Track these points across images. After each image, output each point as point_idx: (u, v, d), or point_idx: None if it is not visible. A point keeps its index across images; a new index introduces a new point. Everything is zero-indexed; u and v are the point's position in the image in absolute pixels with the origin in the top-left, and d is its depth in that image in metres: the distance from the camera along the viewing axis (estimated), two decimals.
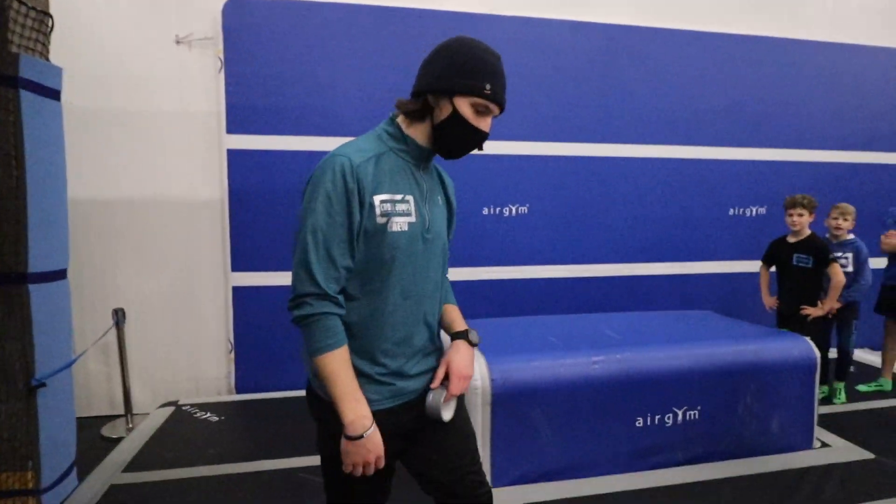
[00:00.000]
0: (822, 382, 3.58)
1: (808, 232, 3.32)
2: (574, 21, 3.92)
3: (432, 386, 1.24)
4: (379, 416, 1.13)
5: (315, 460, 2.58)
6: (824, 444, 2.85)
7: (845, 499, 2.33)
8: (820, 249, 3.23)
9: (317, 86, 3.58)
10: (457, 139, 1.18)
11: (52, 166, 2.22)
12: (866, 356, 4.27)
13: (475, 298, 3.80)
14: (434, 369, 1.28)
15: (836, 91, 4.47)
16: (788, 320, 3.32)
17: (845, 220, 3.46)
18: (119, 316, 3.20)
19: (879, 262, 3.73)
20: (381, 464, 1.13)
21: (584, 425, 2.50)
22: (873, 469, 2.59)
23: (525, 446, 2.42)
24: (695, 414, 2.62)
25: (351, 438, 1.08)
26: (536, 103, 3.83)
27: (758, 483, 2.48)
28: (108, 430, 3.15)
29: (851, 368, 3.67)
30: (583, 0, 3.97)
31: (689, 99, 4.20)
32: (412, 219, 1.16)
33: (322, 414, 1.19)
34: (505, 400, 2.34)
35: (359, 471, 1.11)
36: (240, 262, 3.55)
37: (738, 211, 4.42)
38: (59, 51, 2.35)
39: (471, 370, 1.28)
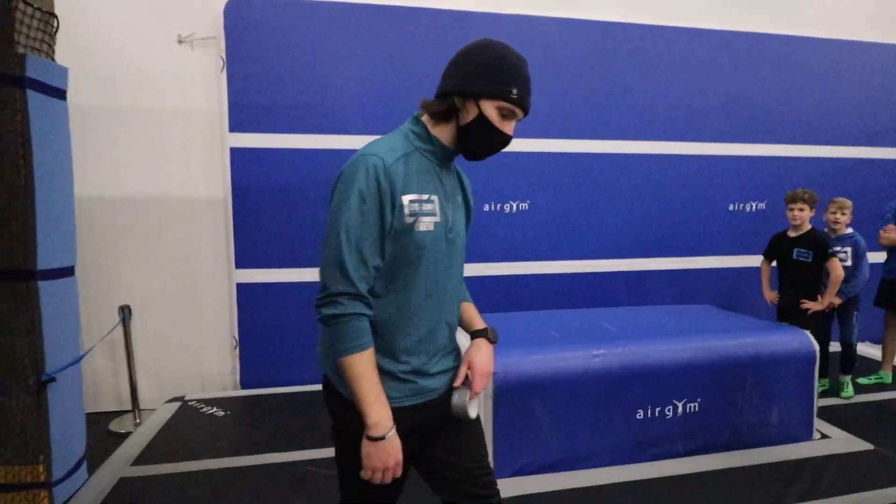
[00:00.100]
0: (823, 376, 3.62)
1: (808, 227, 3.34)
2: (572, 19, 3.94)
3: (455, 385, 1.26)
4: (399, 414, 1.14)
5: (319, 453, 2.65)
6: (824, 436, 2.88)
7: (844, 488, 2.36)
8: (820, 244, 3.25)
9: (318, 84, 3.61)
10: (481, 142, 1.20)
11: (59, 165, 2.26)
12: (867, 349, 4.29)
13: (476, 294, 3.76)
14: (453, 369, 1.29)
15: (834, 87, 4.48)
16: (788, 314, 3.34)
17: (843, 214, 3.47)
18: (125, 313, 3.24)
19: (878, 257, 3.75)
20: (399, 472, 1.13)
21: (585, 418, 2.53)
22: (872, 459, 2.62)
23: (526, 438, 2.46)
24: (695, 406, 2.65)
25: (373, 439, 1.09)
26: (535, 101, 3.75)
27: (757, 473, 2.51)
28: (115, 426, 3.19)
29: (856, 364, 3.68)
30: None
31: (688, 95, 4.22)
32: (437, 219, 1.17)
33: (342, 412, 1.20)
34: (506, 393, 2.37)
35: (378, 477, 1.11)
36: (243, 258, 3.59)
37: (738, 206, 4.44)
38: (64, 51, 2.38)
39: (492, 367, 1.30)
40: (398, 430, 1.12)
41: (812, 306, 3.25)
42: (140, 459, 2.65)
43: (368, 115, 3.69)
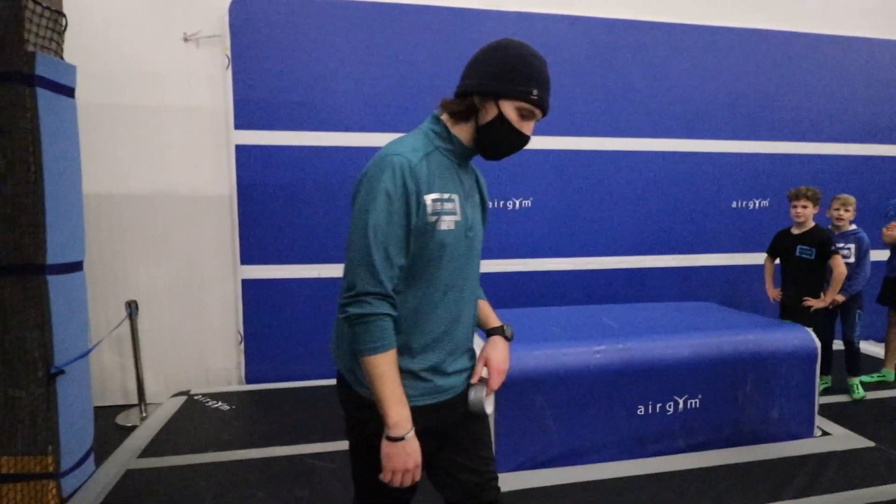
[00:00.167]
0: (826, 373, 3.63)
1: (811, 224, 3.34)
2: (574, 16, 3.95)
3: (472, 381, 1.28)
4: (415, 414, 1.13)
5: (323, 447, 2.69)
6: (825, 433, 2.89)
7: (844, 485, 2.37)
8: (823, 241, 3.24)
9: (323, 82, 3.63)
10: (500, 142, 1.20)
11: (68, 161, 2.30)
12: (870, 347, 4.28)
13: None
14: (469, 369, 1.30)
15: (837, 84, 4.47)
16: (791, 311, 3.34)
17: (846, 210, 3.46)
18: (132, 308, 3.28)
19: (882, 254, 3.74)
20: (419, 476, 1.13)
21: (587, 413, 2.55)
22: (873, 456, 2.63)
23: (528, 433, 2.48)
24: (695, 402, 2.66)
25: (392, 440, 1.09)
26: None
27: (757, 469, 2.52)
28: (122, 419, 3.24)
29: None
30: None
31: (691, 93, 4.22)
32: (458, 217, 1.18)
33: (356, 410, 1.21)
34: (509, 388, 2.38)
35: (398, 480, 1.10)
36: (248, 255, 3.62)
37: (741, 204, 4.44)
38: (71, 49, 2.41)
39: (508, 365, 1.31)
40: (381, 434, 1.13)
41: (815, 303, 3.25)
42: (146, 452, 2.69)
43: (373, 112, 3.72)
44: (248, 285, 3.65)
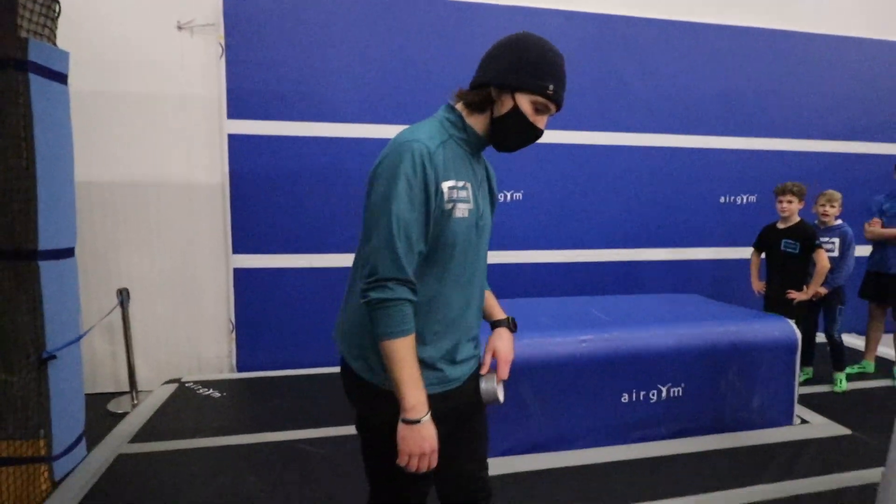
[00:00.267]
0: (808, 364, 3.71)
1: (797, 219, 3.40)
2: (568, 10, 3.98)
3: (482, 372, 1.31)
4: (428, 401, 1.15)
5: (313, 433, 2.73)
6: (804, 421, 2.96)
7: (819, 470, 2.44)
8: (807, 236, 3.31)
9: (317, 72, 3.65)
10: (513, 134, 1.21)
11: (60, 148, 2.31)
12: (851, 340, 4.37)
13: None
14: (474, 357, 1.32)
15: (826, 82, 4.54)
16: (775, 304, 3.41)
17: (832, 206, 3.52)
18: (124, 296, 3.29)
19: (865, 250, 3.82)
20: (435, 461, 1.14)
21: (572, 400, 2.60)
22: (848, 443, 2.71)
23: (515, 420, 2.53)
24: (678, 391, 2.73)
25: (409, 422, 1.10)
26: None
27: (737, 455, 2.59)
28: (114, 406, 3.26)
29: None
30: None
31: (683, 89, 4.27)
32: (471, 206, 1.19)
33: (368, 401, 1.22)
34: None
35: (413, 464, 1.12)
36: (240, 244, 3.64)
37: (729, 199, 4.50)
38: (64, 36, 2.41)
39: (513, 355, 1.34)
40: (396, 420, 1.14)
41: (797, 296, 3.33)
42: (138, 437, 2.72)
43: (366, 103, 3.74)
44: (240, 274, 3.68)
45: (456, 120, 1.22)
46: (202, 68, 3.55)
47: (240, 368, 3.73)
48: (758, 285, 3.65)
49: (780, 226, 3.46)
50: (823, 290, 3.39)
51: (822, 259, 3.28)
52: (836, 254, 3.46)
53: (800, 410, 3.04)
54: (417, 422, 1.10)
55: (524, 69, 1.15)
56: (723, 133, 4.41)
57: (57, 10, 2.27)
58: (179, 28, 3.49)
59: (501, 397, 1.30)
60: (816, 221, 3.59)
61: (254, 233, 3.66)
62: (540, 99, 1.17)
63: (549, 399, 2.57)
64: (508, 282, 4.06)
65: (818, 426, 2.91)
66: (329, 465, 2.45)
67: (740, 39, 4.33)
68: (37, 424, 2.21)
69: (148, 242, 3.57)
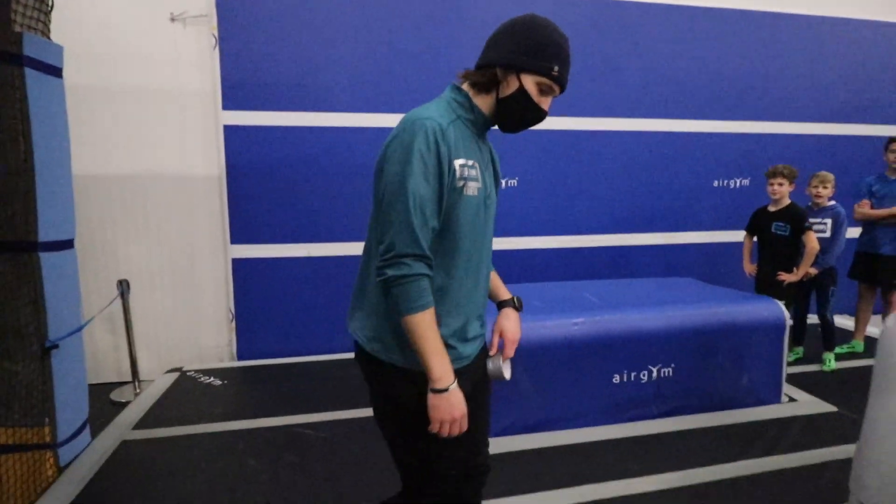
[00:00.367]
0: (799, 344, 3.78)
1: (787, 201, 3.44)
2: None
3: (491, 353, 1.35)
4: (418, 379, 1.17)
5: (313, 417, 2.79)
6: (792, 399, 3.03)
7: (804, 445, 2.51)
8: (797, 218, 3.35)
9: (310, 62, 3.66)
10: (518, 114, 1.23)
11: (57, 141, 2.34)
12: (843, 321, 4.44)
13: None
14: (481, 335, 1.34)
15: (818, 64, 4.55)
16: (765, 285, 3.46)
17: (825, 188, 3.55)
18: (124, 287, 3.34)
19: (859, 231, 3.85)
20: (465, 426, 1.17)
21: (564, 382, 2.66)
22: (834, 420, 2.77)
23: (509, 400, 2.59)
24: (668, 371, 2.79)
25: (437, 392, 1.12)
26: None
27: (725, 432, 2.66)
28: (116, 395, 3.32)
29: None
30: None
31: (675, 73, 4.29)
32: (479, 185, 1.21)
33: (390, 379, 1.22)
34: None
35: (445, 430, 1.14)
36: (238, 234, 3.69)
37: (722, 182, 4.54)
38: (57, 29, 2.43)
39: (520, 334, 1.38)
40: (417, 397, 1.17)
41: (787, 278, 3.37)
42: (141, 424, 2.78)
43: (361, 93, 3.76)
44: (239, 264, 3.72)
45: (463, 100, 1.23)
46: (196, 60, 3.57)
47: (240, 357, 3.79)
48: (749, 268, 3.70)
49: (771, 208, 3.50)
50: (814, 271, 3.44)
51: (812, 241, 3.32)
52: (828, 234, 3.50)
53: (788, 389, 3.11)
54: (446, 390, 1.12)
55: (530, 50, 1.17)
56: (716, 117, 4.44)
57: (50, 3, 2.29)
58: (172, 20, 3.50)
59: (508, 375, 1.35)
60: (810, 203, 3.62)
61: (251, 223, 3.70)
62: (545, 80, 1.19)
63: (542, 380, 2.63)
64: (503, 267, 4.04)
65: (805, 404, 2.97)
66: (327, 447, 2.52)
67: (732, 22, 4.34)
68: (41, 412, 2.27)
69: (146, 234, 3.61)
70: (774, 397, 2.97)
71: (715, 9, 4.29)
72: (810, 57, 4.53)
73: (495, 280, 1.46)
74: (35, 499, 2.15)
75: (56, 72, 2.30)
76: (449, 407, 1.13)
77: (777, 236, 3.43)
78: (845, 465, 2.27)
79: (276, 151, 3.68)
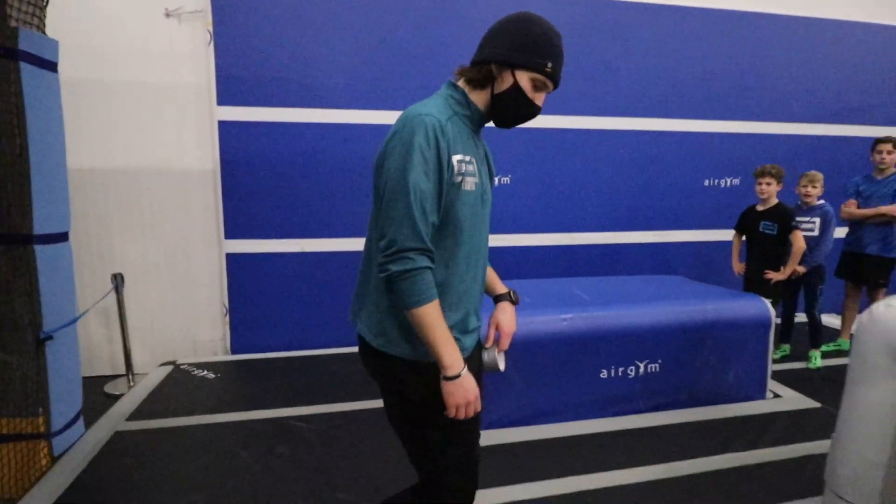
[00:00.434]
0: (786, 342, 3.83)
1: (775, 201, 3.49)
2: None
3: (487, 345, 1.39)
4: (425, 370, 1.21)
5: (305, 410, 2.83)
6: (777, 395, 3.08)
7: (787, 439, 2.56)
8: (784, 217, 3.40)
9: (305, 58, 3.68)
10: (513, 110, 1.26)
11: (52, 135, 2.36)
12: (830, 320, 4.50)
13: None
14: (478, 328, 1.37)
15: (809, 65, 4.60)
16: (753, 284, 3.51)
17: (814, 187, 3.59)
18: (118, 280, 3.36)
19: (844, 230, 3.90)
20: (479, 406, 1.21)
21: (553, 376, 2.70)
22: (817, 415, 2.83)
23: (499, 395, 2.63)
24: (655, 367, 2.83)
25: (450, 379, 1.15)
26: None
27: (710, 427, 2.71)
28: (110, 388, 3.34)
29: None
30: None
31: (667, 72, 4.32)
32: (477, 180, 1.23)
33: (397, 373, 1.25)
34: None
35: (462, 413, 1.18)
36: (232, 229, 3.71)
37: (713, 182, 4.59)
38: (53, 24, 2.45)
39: (516, 327, 1.42)
40: (425, 387, 1.21)
41: (774, 276, 3.42)
42: (134, 415, 2.81)
43: (355, 89, 3.78)
44: (233, 259, 3.75)
45: (460, 97, 1.26)
46: (191, 55, 3.58)
47: (234, 351, 3.82)
48: (738, 267, 3.75)
49: (759, 208, 3.55)
50: (802, 269, 3.49)
51: (798, 240, 3.37)
52: (816, 233, 3.54)
53: (773, 385, 3.16)
54: (458, 376, 1.16)
55: (524, 47, 1.20)
56: (708, 117, 4.48)
57: None
58: (167, 15, 3.52)
59: (503, 366, 1.39)
60: (799, 202, 3.67)
61: (245, 218, 3.72)
62: (539, 76, 1.22)
63: (530, 375, 2.67)
64: (496, 264, 4.07)
65: (789, 400, 3.03)
66: (319, 439, 2.56)
67: (725, 23, 4.38)
68: (36, 402, 2.30)
69: (141, 228, 3.64)
70: (759, 393, 3.03)
71: (708, 9, 4.33)
72: (802, 58, 4.57)
73: (491, 274, 1.49)
74: (29, 487, 2.18)
75: (51, 66, 2.32)
76: (463, 391, 1.17)
77: (765, 235, 3.48)
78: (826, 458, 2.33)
79: (271, 147, 3.71)
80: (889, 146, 3.53)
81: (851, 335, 3.93)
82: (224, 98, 3.59)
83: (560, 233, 4.34)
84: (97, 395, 3.25)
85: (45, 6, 2.31)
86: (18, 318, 2.24)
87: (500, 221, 4.14)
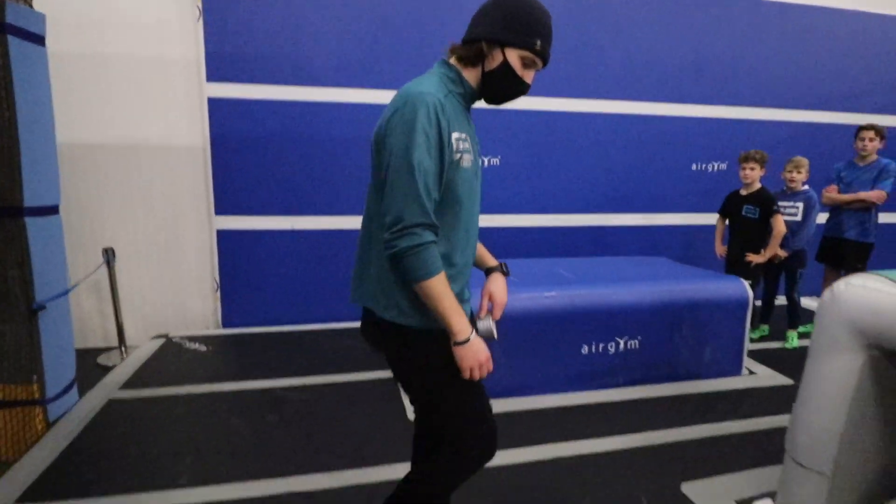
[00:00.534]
0: (765, 322, 3.93)
1: (758, 185, 3.56)
2: None
3: (481, 315, 1.45)
4: (441, 339, 1.24)
5: (294, 381, 2.90)
6: (752, 373, 3.19)
7: (759, 413, 2.67)
8: (766, 201, 3.47)
9: (295, 36, 3.68)
10: (502, 87, 1.29)
11: (40, 108, 2.39)
12: (811, 303, 4.60)
13: None
14: (469, 299, 1.43)
15: (799, 52, 4.63)
16: (734, 266, 3.60)
17: (799, 172, 3.65)
18: (109, 255, 3.40)
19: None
20: (491, 366, 1.26)
21: (535, 351, 2.79)
22: (789, 392, 2.93)
23: None
24: (635, 343, 2.92)
25: (461, 344, 1.21)
26: None
27: (685, 400, 2.81)
28: (104, 359, 3.40)
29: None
30: None
31: (656, 56, 4.35)
32: (472, 157, 1.27)
33: (412, 343, 1.28)
34: None
35: (476, 373, 1.23)
36: (222, 206, 3.75)
37: (701, 166, 4.64)
38: None
39: (507, 297, 1.47)
40: (439, 351, 1.25)
41: (754, 258, 3.51)
42: (128, 385, 2.88)
43: (346, 68, 3.79)
44: (223, 235, 3.79)
45: (454, 76, 1.29)
46: (180, 31, 3.57)
47: (225, 325, 3.89)
48: (720, 249, 3.83)
49: (743, 192, 3.62)
50: (783, 253, 3.57)
51: (779, 224, 3.45)
52: (799, 218, 3.62)
53: (749, 363, 3.26)
54: (468, 340, 1.21)
55: (513, 25, 1.23)
56: (698, 101, 4.52)
57: None
58: None
59: (496, 335, 1.45)
60: (784, 187, 3.73)
61: (236, 195, 3.76)
62: (528, 54, 1.25)
63: (513, 350, 2.75)
64: (484, 244, 4.19)
65: (764, 377, 3.13)
66: (307, 408, 2.64)
67: (715, 8, 4.39)
68: (29, 370, 2.36)
69: (131, 203, 3.66)
70: (735, 370, 3.13)
71: None
72: (792, 45, 4.60)
73: (481, 248, 1.55)
74: (26, 450, 2.25)
75: (39, 40, 2.34)
76: (474, 354, 1.22)
77: (747, 219, 3.56)
78: None
79: (261, 125, 3.72)
80: (871, 133, 3.59)
81: None
82: (213, 75, 3.60)
83: (548, 214, 4.40)
84: (91, 366, 3.31)
85: None
86: (11, 289, 2.29)
87: (488, 202, 4.17)
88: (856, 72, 4.80)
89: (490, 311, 1.46)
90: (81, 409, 2.57)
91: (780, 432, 2.45)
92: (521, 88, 1.30)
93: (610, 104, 4.33)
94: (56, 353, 2.46)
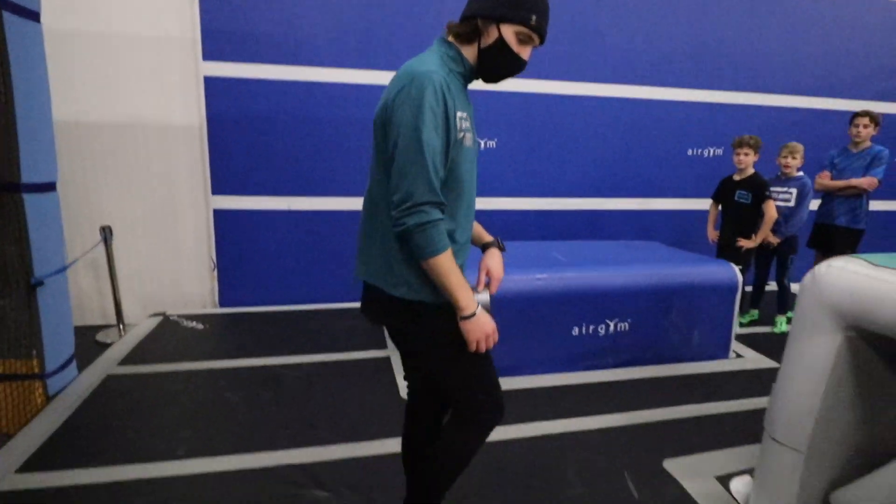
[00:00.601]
0: (755, 307, 3.99)
1: (751, 171, 3.59)
2: None
3: (479, 289, 1.45)
4: (446, 312, 1.27)
5: (289, 359, 2.96)
6: (739, 356, 3.25)
7: (743, 394, 2.73)
8: (758, 187, 3.50)
9: (292, 15, 3.66)
10: (498, 64, 1.29)
11: (36, 85, 2.39)
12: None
13: None
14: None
15: (796, 38, 4.61)
16: (725, 251, 3.64)
17: (794, 158, 3.66)
18: (107, 233, 3.42)
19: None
20: (496, 337, 1.29)
21: (526, 332, 2.84)
22: (774, 374, 2.96)
23: None
24: (625, 326, 2.98)
25: (467, 318, 1.24)
26: None
27: (672, 382, 2.87)
28: (102, 337, 3.45)
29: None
30: None
31: (654, 40, 4.33)
32: (472, 136, 1.29)
33: (422, 317, 1.31)
34: None
35: (483, 345, 1.27)
36: (219, 185, 3.76)
37: (696, 152, 4.66)
38: None
39: (503, 272, 1.48)
40: (448, 325, 1.28)
41: (745, 244, 3.55)
42: (126, 361, 2.94)
43: (343, 48, 3.77)
44: (220, 215, 3.81)
45: (454, 55, 1.29)
46: (177, 9, 3.55)
47: (222, 304, 3.93)
48: (713, 234, 3.86)
49: (736, 177, 3.65)
50: (775, 240, 3.61)
51: (770, 209, 3.48)
52: (792, 204, 3.64)
53: (737, 347, 3.32)
54: (474, 314, 1.24)
55: (509, 2, 1.22)
56: (694, 86, 4.52)
57: None
58: None
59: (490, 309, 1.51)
60: (779, 173, 3.75)
61: (233, 175, 3.77)
62: (523, 30, 1.24)
63: (505, 330, 2.76)
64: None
65: (751, 360, 3.19)
66: (301, 385, 2.70)
67: None
68: (29, 345, 2.40)
69: (128, 182, 3.68)
70: (723, 353, 3.19)
71: None
72: (790, 30, 4.58)
73: (477, 226, 1.58)
74: (25, 423, 2.30)
75: (34, 16, 2.33)
76: (480, 326, 1.25)
77: (739, 204, 3.59)
78: None
79: (258, 104, 3.72)
80: (866, 120, 3.60)
81: None
82: (210, 54, 3.59)
83: (543, 197, 4.42)
84: (89, 343, 3.36)
85: None
86: (9, 264, 2.32)
87: (484, 185, 4.19)
88: (853, 58, 4.79)
89: (487, 286, 1.49)
90: (80, 384, 2.62)
91: (761, 413, 2.50)
92: (517, 65, 1.29)
93: (607, 88, 4.33)
94: (55, 328, 2.50)
